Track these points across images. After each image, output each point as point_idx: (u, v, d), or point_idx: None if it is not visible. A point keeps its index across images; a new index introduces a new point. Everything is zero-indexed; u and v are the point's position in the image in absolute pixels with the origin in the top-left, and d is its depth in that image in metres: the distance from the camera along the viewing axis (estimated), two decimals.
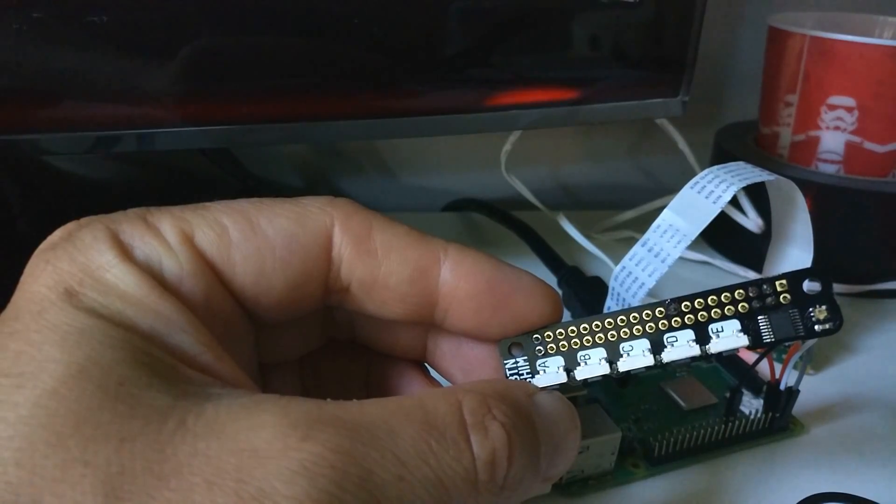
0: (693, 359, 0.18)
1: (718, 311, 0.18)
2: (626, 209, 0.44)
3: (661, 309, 0.18)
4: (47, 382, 0.13)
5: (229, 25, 0.28)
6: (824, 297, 0.17)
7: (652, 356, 0.18)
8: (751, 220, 0.38)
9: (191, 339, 0.15)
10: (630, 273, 0.25)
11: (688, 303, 0.18)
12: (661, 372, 0.30)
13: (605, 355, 0.18)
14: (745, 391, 0.28)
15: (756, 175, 0.24)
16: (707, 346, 0.17)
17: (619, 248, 0.34)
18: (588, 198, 0.54)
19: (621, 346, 0.18)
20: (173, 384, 0.14)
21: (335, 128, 0.31)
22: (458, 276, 0.17)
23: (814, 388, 0.30)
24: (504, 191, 0.44)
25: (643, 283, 0.25)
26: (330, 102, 0.31)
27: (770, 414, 0.27)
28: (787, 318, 0.17)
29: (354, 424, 0.14)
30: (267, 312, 0.17)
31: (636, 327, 0.18)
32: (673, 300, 0.18)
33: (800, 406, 0.27)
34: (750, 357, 0.31)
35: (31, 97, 0.27)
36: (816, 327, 0.17)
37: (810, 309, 0.17)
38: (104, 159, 0.44)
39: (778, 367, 0.27)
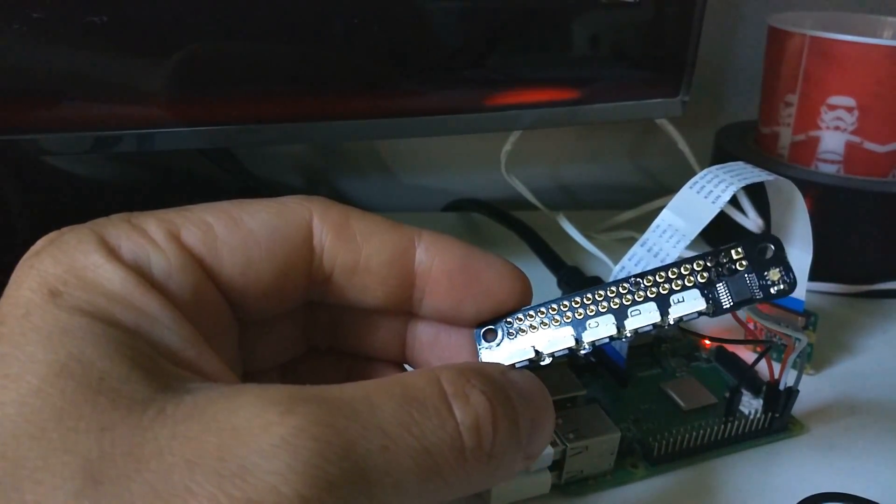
0: (655, 326, 0.18)
1: (679, 282, 0.18)
2: (626, 209, 0.44)
3: (625, 285, 0.19)
4: (31, 382, 0.13)
5: (229, 25, 0.28)
6: (777, 259, 0.18)
7: (615, 328, 0.18)
8: (751, 220, 0.38)
9: (174, 334, 0.15)
10: (629, 273, 0.25)
11: (650, 277, 0.19)
12: (660, 372, 0.30)
13: (573, 333, 0.19)
14: (744, 391, 0.28)
15: (755, 175, 0.24)
16: (668, 314, 0.18)
17: (618, 248, 0.34)
18: (588, 198, 0.54)
19: (587, 322, 0.19)
20: (155, 378, 0.14)
21: (335, 128, 0.31)
22: (432, 256, 0.18)
23: (813, 388, 0.30)
24: (504, 191, 0.44)
25: None
26: (330, 102, 0.31)
27: (769, 414, 0.27)
28: (744, 282, 0.18)
29: (334, 399, 0.14)
30: (254, 305, 0.18)
31: (601, 304, 0.19)
32: (635, 276, 0.19)
33: (799, 406, 0.27)
34: (749, 357, 0.31)
35: (31, 97, 0.27)
36: (772, 289, 0.18)
37: (765, 272, 0.18)
38: (104, 159, 0.44)
39: (777, 366, 0.27)
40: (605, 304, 0.19)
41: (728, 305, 0.18)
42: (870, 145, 0.38)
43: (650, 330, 0.18)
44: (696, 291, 0.18)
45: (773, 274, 0.18)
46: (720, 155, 0.44)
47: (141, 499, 0.12)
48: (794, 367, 0.26)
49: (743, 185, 0.24)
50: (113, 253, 0.15)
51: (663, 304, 0.18)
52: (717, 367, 0.31)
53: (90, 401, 0.13)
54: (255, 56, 0.29)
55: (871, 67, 0.36)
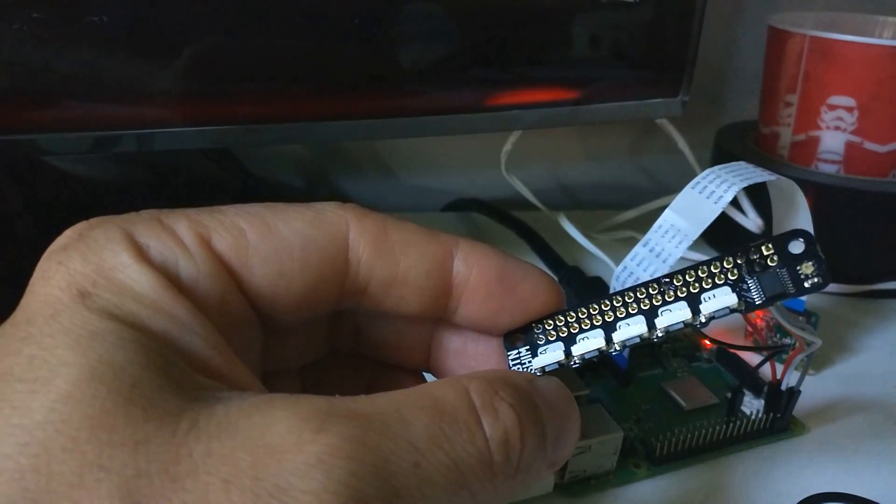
0: (686, 324, 0.18)
1: (710, 280, 0.18)
2: (626, 209, 0.44)
3: (655, 285, 0.18)
4: (61, 387, 0.13)
5: (229, 25, 0.28)
6: (810, 253, 0.18)
7: (646, 327, 0.18)
8: (750, 220, 0.38)
9: (202, 342, 0.15)
10: (631, 273, 0.25)
11: (679, 276, 0.18)
12: (661, 372, 0.30)
13: (603, 334, 0.18)
14: (746, 391, 0.28)
15: (757, 175, 0.24)
16: (699, 312, 0.18)
17: (619, 248, 0.34)
18: (588, 198, 0.54)
19: (618, 324, 0.18)
20: (185, 387, 0.14)
21: (335, 128, 0.31)
22: (469, 266, 0.18)
23: (814, 388, 0.30)
24: (504, 191, 0.44)
25: None
26: (330, 102, 0.31)
27: (771, 414, 0.27)
28: (775, 277, 0.18)
29: (366, 415, 0.14)
30: (283, 315, 0.17)
31: (631, 306, 0.18)
32: (664, 276, 0.18)
33: (800, 406, 0.27)
34: (752, 358, 0.31)
35: (31, 97, 0.26)
36: (806, 283, 0.18)
37: (797, 267, 0.18)
38: (104, 159, 0.44)
39: (779, 367, 0.27)
40: (634, 305, 0.18)
41: (760, 301, 0.18)
42: (870, 145, 0.38)
43: (681, 328, 0.18)
44: (726, 288, 0.18)
45: (806, 267, 0.17)
46: (720, 155, 0.44)
47: None
48: (798, 368, 0.26)
49: (745, 185, 0.24)
50: (141, 254, 0.15)
51: (694, 301, 0.18)
52: (718, 368, 0.31)
53: (122, 410, 0.13)
54: (255, 56, 0.29)
55: (871, 67, 0.36)
